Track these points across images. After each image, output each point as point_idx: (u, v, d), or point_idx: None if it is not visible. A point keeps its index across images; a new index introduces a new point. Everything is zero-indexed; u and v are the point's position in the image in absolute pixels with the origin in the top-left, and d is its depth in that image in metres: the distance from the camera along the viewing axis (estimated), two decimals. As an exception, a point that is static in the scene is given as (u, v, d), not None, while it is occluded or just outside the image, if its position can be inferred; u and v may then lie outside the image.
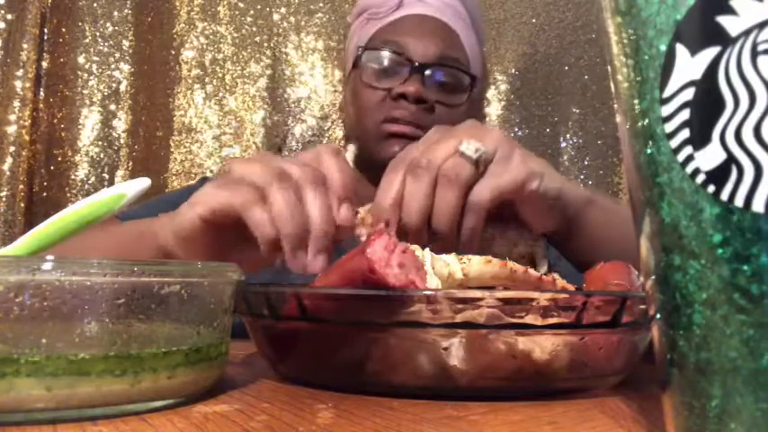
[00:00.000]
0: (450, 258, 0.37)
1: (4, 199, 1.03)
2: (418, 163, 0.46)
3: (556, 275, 0.43)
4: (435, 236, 0.46)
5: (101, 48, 1.12)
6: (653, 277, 0.21)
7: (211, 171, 1.12)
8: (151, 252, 0.49)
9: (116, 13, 1.12)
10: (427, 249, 0.38)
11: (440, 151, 0.46)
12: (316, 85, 1.16)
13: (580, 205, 0.53)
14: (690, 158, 0.19)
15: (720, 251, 0.18)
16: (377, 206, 0.46)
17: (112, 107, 1.11)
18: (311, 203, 0.42)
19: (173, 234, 0.46)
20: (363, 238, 0.45)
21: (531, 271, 0.39)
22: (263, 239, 0.42)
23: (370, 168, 0.80)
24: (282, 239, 0.42)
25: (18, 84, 1.05)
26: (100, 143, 1.10)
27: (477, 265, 0.37)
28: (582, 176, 1.15)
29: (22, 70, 1.05)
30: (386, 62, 0.83)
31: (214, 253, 0.46)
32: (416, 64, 0.80)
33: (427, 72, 0.81)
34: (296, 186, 0.42)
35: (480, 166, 0.46)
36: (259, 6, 1.15)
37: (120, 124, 1.12)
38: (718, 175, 0.18)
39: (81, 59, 1.11)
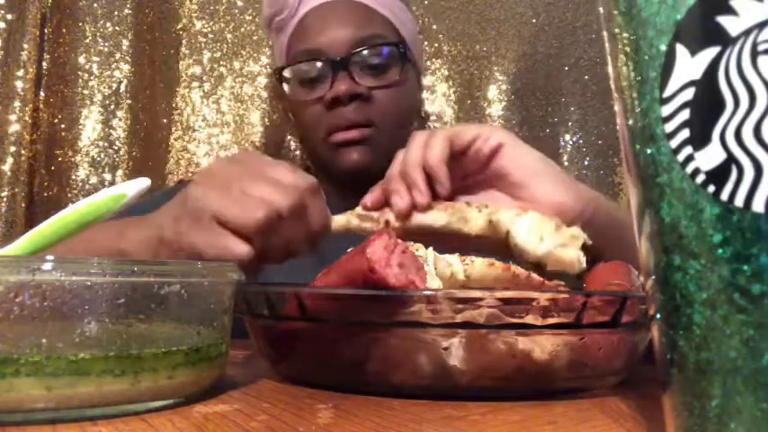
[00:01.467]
0: (454, 259, 0.37)
1: (4, 199, 1.02)
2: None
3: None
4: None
5: (101, 48, 1.11)
6: (653, 277, 0.21)
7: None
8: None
9: (116, 13, 1.12)
10: (431, 249, 0.38)
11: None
12: (315, 84, 1.16)
13: (595, 200, 0.52)
14: (690, 158, 0.19)
15: (720, 251, 0.18)
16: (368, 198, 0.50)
17: (112, 107, 1.11)
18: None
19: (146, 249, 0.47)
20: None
21: (534, 275, 0.38)
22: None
23: (334, 179, 0.78)
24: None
25: (18, 84, 1.05)
26: (100, 143, 1.10)
27: (479, 267, 0.37)
28: (582, 176, 1.15)
29: (22, 70, 1.05)
30: (307, 73, 0.77)
31: None
32: (337, 60, 0.75)
33: (350, 63, 0.75)
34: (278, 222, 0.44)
35: None
36: (258, 5, 1.15)
37: (120, 124, 1.11)
38: (719, 175, 0.18)
39: (81, 59, 1.10)
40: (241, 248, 0.42)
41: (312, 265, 0.50)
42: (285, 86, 0.80)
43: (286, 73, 0.79)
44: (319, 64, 0.76)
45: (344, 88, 0.74)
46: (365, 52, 0.75)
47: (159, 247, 0.46)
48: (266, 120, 1.14)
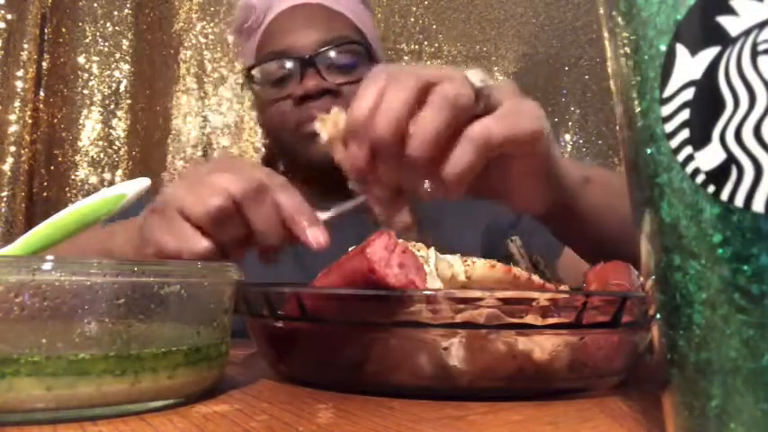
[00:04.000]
0: (455, 260, 0.37)
1: (4, 199, 1.03)
2: (403, 70, 0.38)
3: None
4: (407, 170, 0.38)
5: (101, 48, 1.11)
6: (653, 277, 0.21)
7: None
8: None
9: (116, 13, 1.12)
10: (432, 249, 0.38)
11: (433, 69, 0.38)
12: (316, 84, 1.16)
13: (577, 187, 0.47)
14: (690, 158, 0.19)
15: (720, 251, 0.18)
16: (350, 117, 0.39)
17: (112, 107, 1.11)
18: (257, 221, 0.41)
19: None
20: (324, 141, 0.42)
21: (535, 278, 0.38)
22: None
23: (305, 175, 0.78)
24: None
25: (18, 84, 1.05)
26: (100, 143, 1.10)
27: (480, 268, 0.37)
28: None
29: (22, 70, 1.05)
30: (276, 72, 0.80)
31: None
32: (306, 57, 0.77)
33: (318, 61, 0.77)
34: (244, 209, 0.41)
35: (482, 102, 0.38)
36: (259, 6, 1.15)
37: (120, 124, 1.12)
38: (719, 175, 0.18)
39: (81, 59, 1.11)
40: (200, 243, 0.40)
41: (290, 259, 0.48)
42: (255, 87, 0.83)
43: (255, 72, 0.82)
44: (288, 63, 0.79)
45: (314, 83, 0.76)
46: (332, 52, 0.78)
47: (138, 248, 0.45)
48: (266, 120, 1.14)
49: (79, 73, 1.10)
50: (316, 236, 0.41)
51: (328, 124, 0.42)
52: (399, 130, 0.37)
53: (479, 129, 0.37)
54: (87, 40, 1.11)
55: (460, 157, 0.37)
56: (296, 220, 0.42)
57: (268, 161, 0.92)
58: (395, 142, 0.37)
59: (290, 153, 0.82)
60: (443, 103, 0.37)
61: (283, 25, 0.81)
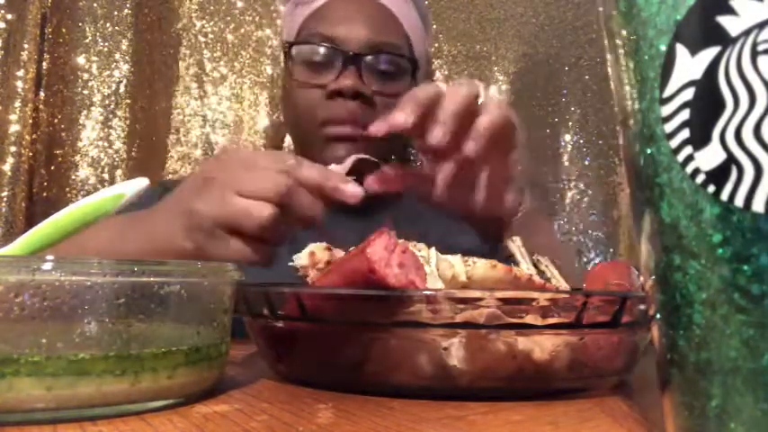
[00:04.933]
0: (456, 260, 0.37)
1: (4, 199, 1.02)
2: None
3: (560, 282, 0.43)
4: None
5: (101, 48, 1.11)
6: (653, 277, 0.21)
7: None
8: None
9: (116, 13, 1.12)
10: (433, 249, 0.38)
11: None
12: (316, 84, 1.16)
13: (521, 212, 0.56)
14: (690, 158, 0.19)
15: (720, 251, 0.18)
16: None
17: (112, 107, 1.11)
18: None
19: (150, 248, 0.48)
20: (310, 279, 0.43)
21: (536, 278, 0.38)
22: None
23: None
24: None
25: (18, 84, 1.05)
26: (100, 143, 1.10)
27: (481, 269, 0.37)
28: (582, 176, 1.15)
29: (22, 70, 1.05)
30: (316, 56, 0.76)
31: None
32: (350, 54, 0.74)
33: (362, 62, 0.74)
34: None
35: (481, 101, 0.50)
36: (258, 5, 1.16)
37: (120, 124, 1.11)
38: (719, 175, 0.18)
39: (81, 60, 1.10)
40: (262, 253, 0.46)
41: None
42: (289, 63, 0.79)
43: (294, 51, 0.79)
44: (330, 51, 0.75)
45: (350, 83, 0.73)
46: (381, 57, 0.76)
47: (167, 255, 0.47)
48: (266, 120, 1.14)
49: (79, 73, 1.10)
50: (352, 191, 0.47)
51: (307, 261, 0.42)
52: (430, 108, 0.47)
53: (487, 116, 0.49)
54: (87, 41, 1.11)
55: (481, 124, 0.48)
56: (328, 188, 0.47)
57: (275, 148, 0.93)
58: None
59: (307, 148, 0.79)
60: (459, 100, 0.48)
61: (337, 12, 0.78)
